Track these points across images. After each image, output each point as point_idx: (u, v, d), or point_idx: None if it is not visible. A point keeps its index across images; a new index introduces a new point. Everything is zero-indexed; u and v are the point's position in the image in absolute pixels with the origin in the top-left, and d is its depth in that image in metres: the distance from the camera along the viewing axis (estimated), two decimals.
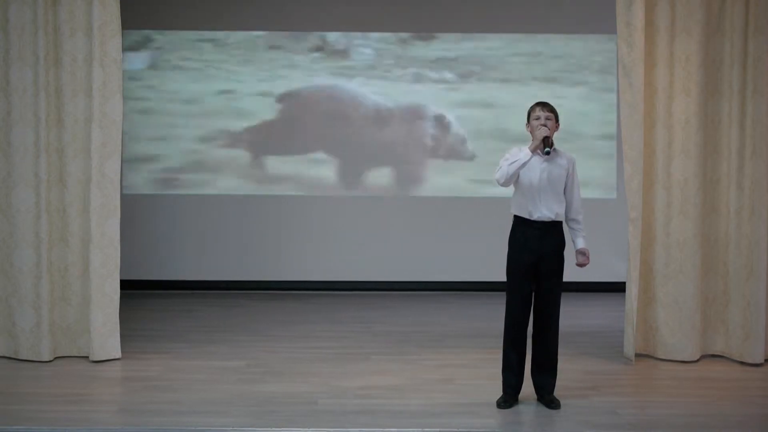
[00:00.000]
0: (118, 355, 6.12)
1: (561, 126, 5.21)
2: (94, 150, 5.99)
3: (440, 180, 8.81)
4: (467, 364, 6.08)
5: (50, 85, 6.03)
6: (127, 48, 8.17)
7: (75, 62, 6.04)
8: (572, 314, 7.52)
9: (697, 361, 6.20)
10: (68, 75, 6.04)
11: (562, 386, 5.39)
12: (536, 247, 5.13)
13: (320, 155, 8.79)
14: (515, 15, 8.74)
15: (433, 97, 8.78)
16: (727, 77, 6.19)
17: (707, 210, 6.23)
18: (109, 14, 6.00)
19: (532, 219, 5.14)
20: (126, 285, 6.81)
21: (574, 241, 5.25)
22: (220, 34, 8.72)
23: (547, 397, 5.24)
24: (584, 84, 8.77)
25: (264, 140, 8.76)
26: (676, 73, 6.16)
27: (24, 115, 6.00)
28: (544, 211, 5.13)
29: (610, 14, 6.69)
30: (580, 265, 5.24)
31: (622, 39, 6.06)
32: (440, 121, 8.80)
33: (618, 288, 6.96)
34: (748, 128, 6.11)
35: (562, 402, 5.23)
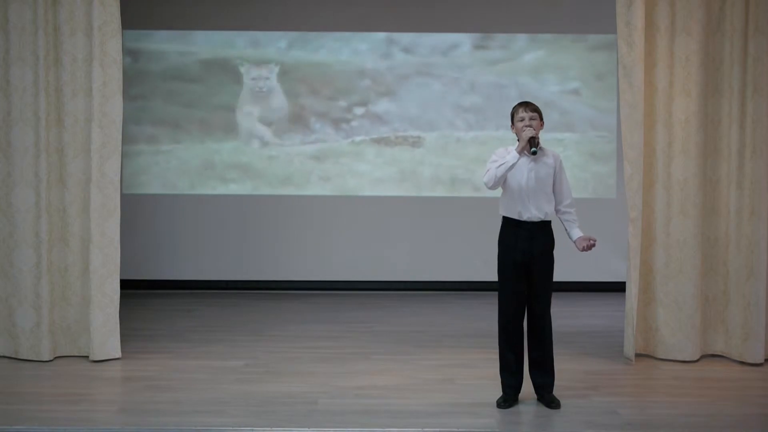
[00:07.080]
0: (118, 355, 6.12)
1: None
2: (94, 150, 6.00)
3: (439, 179, 8.82)
4: (467, 364, 6.08)
5: (50, 85, 6.03)
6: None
7: (75, 62, 6.04)
8: (572, 314, 7.53)
9: (697, 361, 6.20)
10: (68, 75, 6.04)
11: (562, 386, 5.39)
12: (526, 248, 5.12)
13: (320, 155, 8.80)
14: (513, 15, 8.74)
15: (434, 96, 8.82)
16: (727, 77, 6.19)
17: (707, 210, 6.23)
18: (109, 14, 6.00)
19: (521, 220, 5.13)
20: (126, 285, 6.81)
21: (570, 233, 5.19)
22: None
23: (547, 397, 5.24)
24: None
25: (264, 140, 8.77)
26: (676, 73, 6.16)
27: (24, 115, 6.00)
28: (533, 211, 5.12)
29: (610, 14, 6.69)
30: (587, 248, 5.12)
31: (622, 39, 6.05)
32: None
33: (618, 288, 6.95)
34: (748, 128, 6.11)
35: (562, 402, 5.23)
